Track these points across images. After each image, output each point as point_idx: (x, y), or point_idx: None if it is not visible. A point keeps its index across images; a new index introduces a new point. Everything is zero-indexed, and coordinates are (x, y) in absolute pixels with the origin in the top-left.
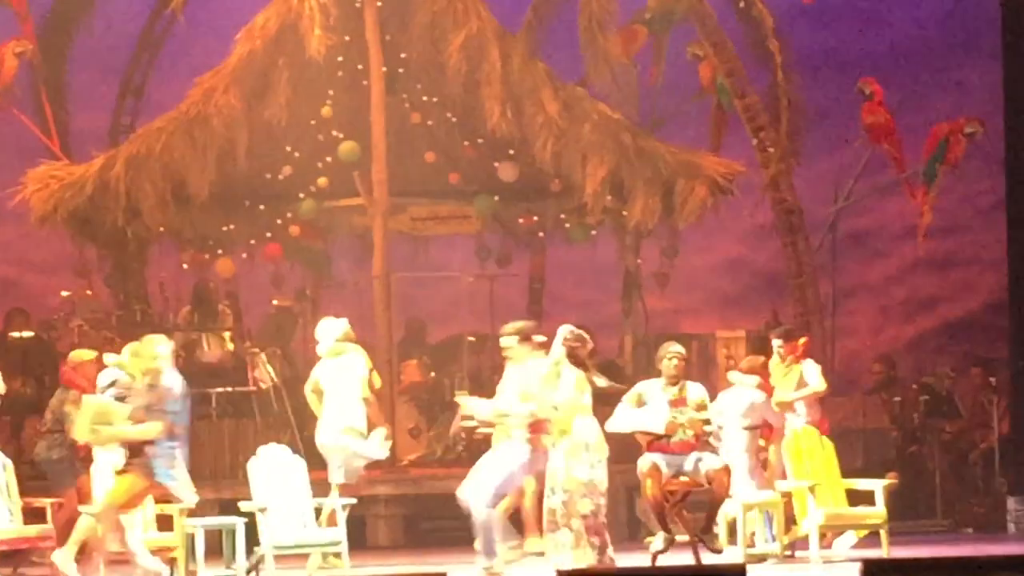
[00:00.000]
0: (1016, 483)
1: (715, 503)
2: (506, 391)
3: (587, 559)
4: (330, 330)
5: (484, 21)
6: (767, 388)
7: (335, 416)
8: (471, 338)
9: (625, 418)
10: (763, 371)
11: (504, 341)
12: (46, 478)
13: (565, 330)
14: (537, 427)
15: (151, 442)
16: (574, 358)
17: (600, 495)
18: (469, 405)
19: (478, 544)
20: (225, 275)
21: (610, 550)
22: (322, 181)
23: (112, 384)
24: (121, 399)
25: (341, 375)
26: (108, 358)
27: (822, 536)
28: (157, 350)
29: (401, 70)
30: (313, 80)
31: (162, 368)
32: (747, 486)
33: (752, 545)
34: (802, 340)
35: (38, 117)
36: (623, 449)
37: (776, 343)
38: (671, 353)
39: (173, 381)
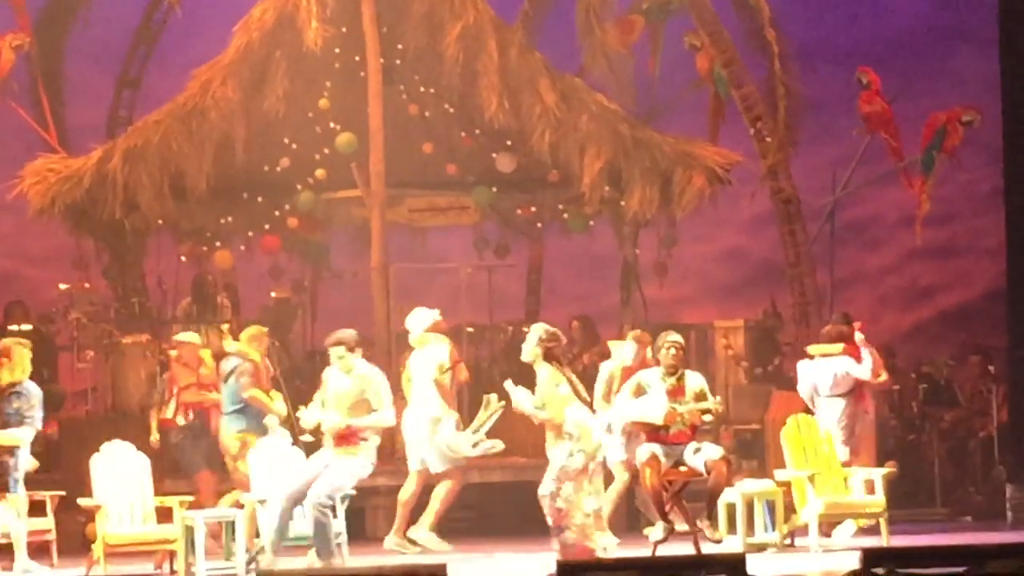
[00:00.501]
0: (1015, 471)
1: (714, 492)
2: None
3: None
4: (419, 320)
5: (481, 12)
6: (853, 354)
7: (415, 406)
8: (469, 329)
9: (624, 408)
10: (850, 340)
11: (334, 351)
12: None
13: (540, 329)
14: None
15: (13, 450)
16: (551, 357)
17: (567, 480)
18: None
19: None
20: (223, 267)
21: (569, 533)
22: (320, 173)
23: (233, 371)
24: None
25: (424, 366)
26: (228, 345)
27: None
28: (25, 354)
29: (398, 61)
30: (310, 72)
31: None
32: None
33: (751, 534)
34: (857, 325)
35: (35, 110)
36: None
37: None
38: (669, 343)
39: (34, 388)
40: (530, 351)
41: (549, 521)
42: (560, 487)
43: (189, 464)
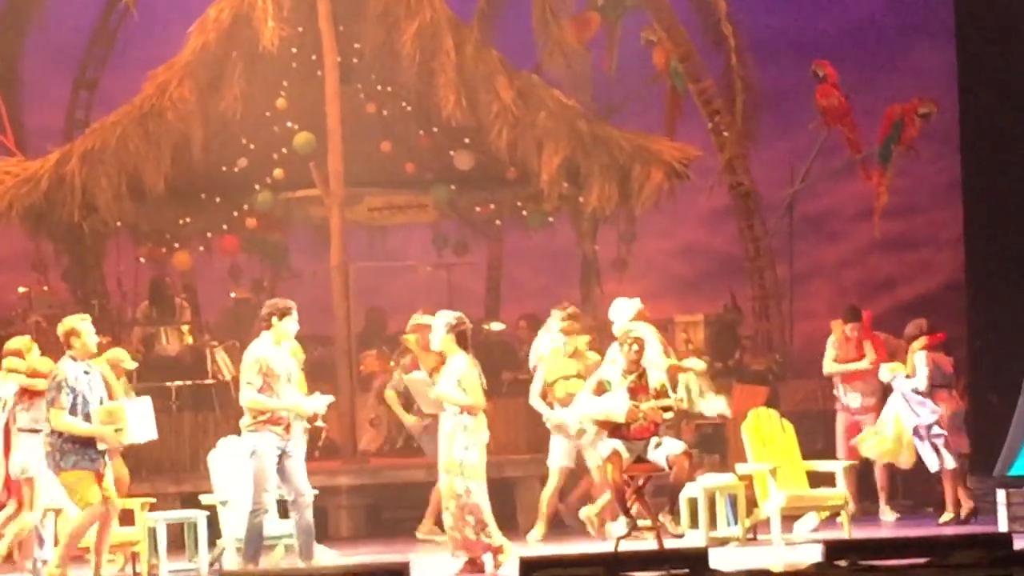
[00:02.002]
0: (976, 462)
1: (676, 487)
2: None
3: (469, 538)
4: (622, 311)
5: (437, 10)
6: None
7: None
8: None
9: (585, 406)
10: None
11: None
12: None
13: (446, 316)
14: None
15: None
16: (463, 341)
17: (470, 478)
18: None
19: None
20: (182, 268)
21: (491, 529)
22: (278, 173)
23: None
24: None
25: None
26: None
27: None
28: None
29: (355, 60)
30: (267, 72)
31: None
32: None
33: (714, 528)
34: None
35: None
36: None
37: (848, 327)
38: (629, 339)
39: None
40: (442, 339)
41: (470, 521)
42: (469, 486)
43: (430, 448)
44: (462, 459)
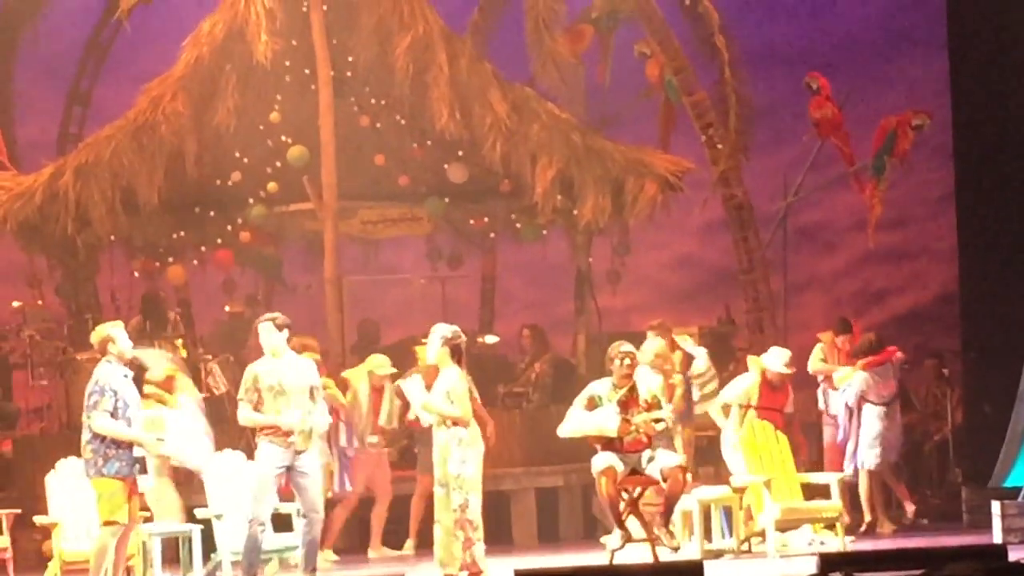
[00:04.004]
0: (970, 473)
1: (671, 499)
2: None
3: (455, 555)
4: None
5: (431, 23)
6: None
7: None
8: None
9: (577, 421)
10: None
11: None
12: None
13: (443, 329)
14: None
15: None
16: (457, 354)
17: (469, 491)
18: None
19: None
20: (176, 282)
21: (477, 547)
22: (272, 186)
23: None
24: None
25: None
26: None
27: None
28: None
29: (349, 73)
30: (261, 85)
31: None
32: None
33: (709, 541)
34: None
35: None
36: (578, 448)
37: (840, 339)
38: (621, 353)
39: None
40: (436, 352)
41: (459, 536)
42: (468, 499)
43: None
44: (459, 472)
